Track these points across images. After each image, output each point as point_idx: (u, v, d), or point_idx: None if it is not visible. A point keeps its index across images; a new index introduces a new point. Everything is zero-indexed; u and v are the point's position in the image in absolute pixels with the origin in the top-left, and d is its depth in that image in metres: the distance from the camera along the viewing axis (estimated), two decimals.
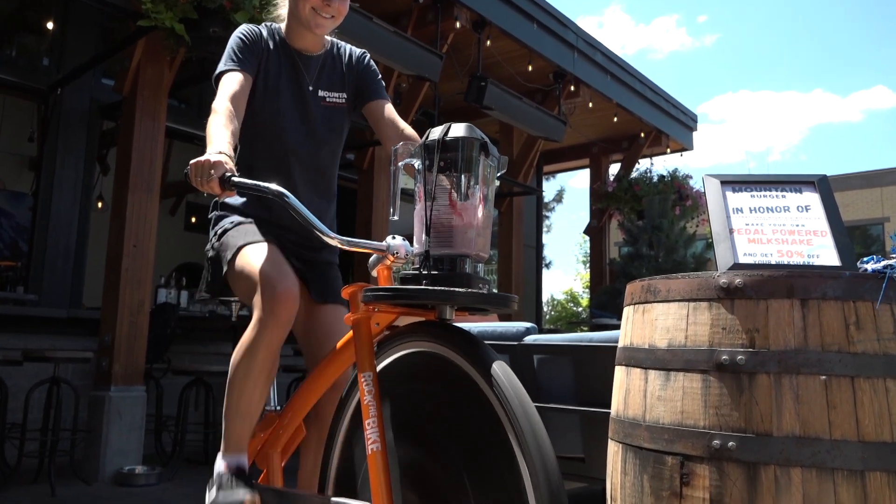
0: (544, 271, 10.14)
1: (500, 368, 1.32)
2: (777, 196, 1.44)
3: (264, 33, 1.88)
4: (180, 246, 8.03)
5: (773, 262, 1.33)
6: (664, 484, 1.20)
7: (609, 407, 1.44)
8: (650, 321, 1.32)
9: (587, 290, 16.12)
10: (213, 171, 1.46)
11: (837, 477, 1.10)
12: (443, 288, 1.36)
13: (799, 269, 1.31)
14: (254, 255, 1.69)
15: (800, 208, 1.42)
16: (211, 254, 1.87)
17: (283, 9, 1.94)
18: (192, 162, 1.48)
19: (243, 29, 1.86)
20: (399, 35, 4.87)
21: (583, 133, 8.04)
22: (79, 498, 3.41)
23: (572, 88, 6.77)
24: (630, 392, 1.33)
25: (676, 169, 8.17)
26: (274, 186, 1.47)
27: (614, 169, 8.63)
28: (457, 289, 1.36)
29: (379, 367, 1.56)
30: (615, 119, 7.49)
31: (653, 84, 7.79)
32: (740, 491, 1.13)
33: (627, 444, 1.30)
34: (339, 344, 1.67)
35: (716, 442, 1.15)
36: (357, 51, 2.01)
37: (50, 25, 5.13)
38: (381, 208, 5.48)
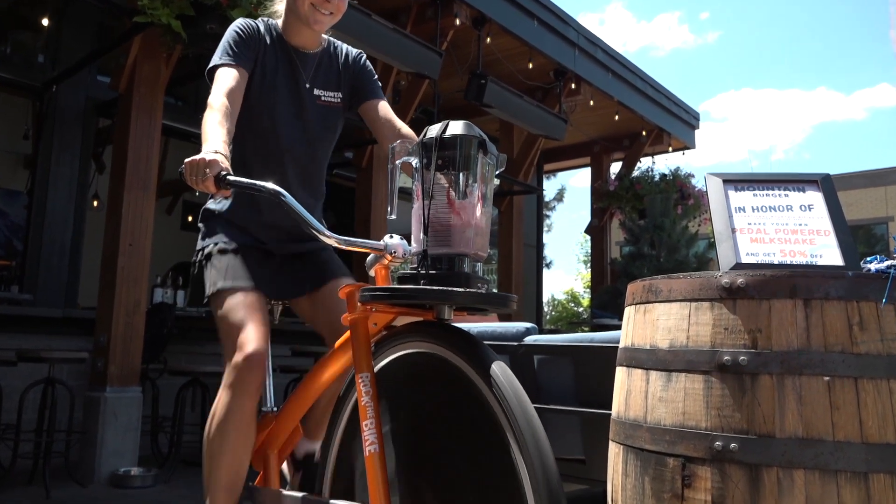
0: (545, 271, 10.14)
1: (499, 369, 1.31)
2: (780, 195, 1.43)
3: (261, 28, 1.86)
4: (177, 245, 7.98)
5: (775, 262, 1.32)
6: (665, 486, 1.19)
7: (610, 408, 1.43)
8: (651, 321, 1.30)
9: (588, 290, 16.14)
10: (208, 170, 1.45)
11: (841, 479, 1.09)
12: (441, 287, 1.35)
13: (802, 269, 1.30)
14: (229, 308, 1.69)
15: (803, 207, 1.40)
16: (195, 270, 1.86)
17: (280, 5, 1.91)
18: (186, 160, 1.47)
19: (240, 23, 1.84)
20: (398, 32, 4.84)
21: (584, 131, 8.00)
22: (74, 500, 3.39)
23: (573, 86, 6.74)
24: (631, 393, 1.32)
25: (678, 167, 8.17)
26: (270, 185, 1.46)
27: (615, 167, 8.60)
28: (455, 288, 1.34)
29: (377, 368, 1.54)
30: (616, 117, 7.45)
31: (654, 82, 7.76)
32: (742, 493, 1.12)
33: (628, 446, 1.29)
34: (336, 344, 1.66)
35: (718, 443, 1.14)
36: (353, 51, 1.99)
37: (45, 22, 5.09)
38: (379, 207, 5.45)
